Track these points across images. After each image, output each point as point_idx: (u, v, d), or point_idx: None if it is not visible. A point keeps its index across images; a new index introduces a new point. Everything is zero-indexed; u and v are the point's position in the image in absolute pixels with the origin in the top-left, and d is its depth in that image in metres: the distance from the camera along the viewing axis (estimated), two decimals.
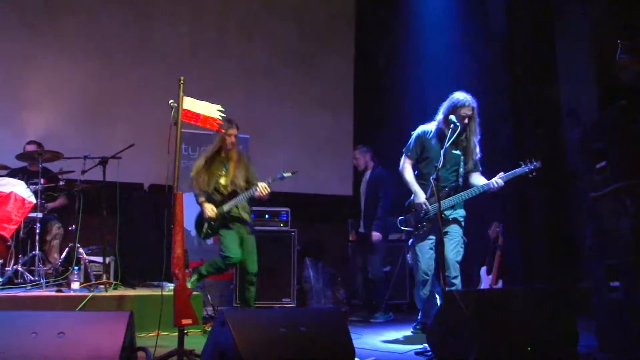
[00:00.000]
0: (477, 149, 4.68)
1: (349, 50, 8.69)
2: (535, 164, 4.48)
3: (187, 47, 7.80)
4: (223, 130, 4.96)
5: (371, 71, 8.40)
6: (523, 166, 4.51)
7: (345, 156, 8.12)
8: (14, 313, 3.21)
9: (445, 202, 4.56)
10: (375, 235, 6.12)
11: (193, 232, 7.13)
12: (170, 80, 3.98)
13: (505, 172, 4.56)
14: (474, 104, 4.59)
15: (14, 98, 6.97)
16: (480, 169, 4.76)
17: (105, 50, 7.45)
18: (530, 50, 6.17)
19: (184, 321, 3.59)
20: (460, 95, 4.59)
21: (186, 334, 3.65)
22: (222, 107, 4.06)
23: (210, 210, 5.22)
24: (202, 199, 5.31)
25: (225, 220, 5.24)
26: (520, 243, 6.02)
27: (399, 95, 7.74)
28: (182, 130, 6.59)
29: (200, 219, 5.39)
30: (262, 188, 5.05)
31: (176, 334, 3.57)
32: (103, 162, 5.67)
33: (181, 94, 3.90)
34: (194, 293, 5.52)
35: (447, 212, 4.61)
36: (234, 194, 5.24)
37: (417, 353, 4.09)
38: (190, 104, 3.95)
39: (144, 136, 6.46)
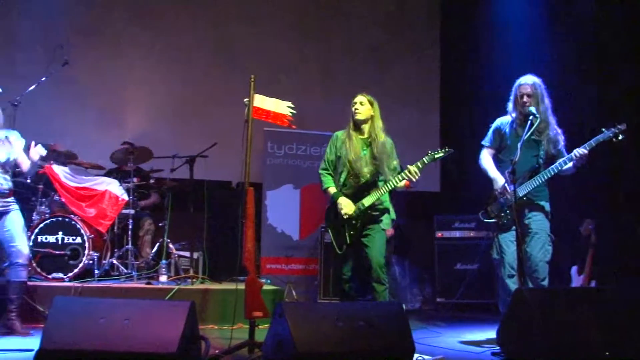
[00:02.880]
0: (557, 129, 4.36)
1: (434, 44, 8.49)
2: (620, 127, 4.07)
3: (268, 48, 7.86)
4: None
5: (457, 65, 8.16)
6: (605, 131, 4.11)
7: None
8: (86, 299, 3.46)
9: (527, 185, 4.30)
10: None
11: (280, 229, 7.22)
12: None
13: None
14: (533, 81, 4.36)
15: (110, 104, 7.35)
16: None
17: (190, 54, 7.70)
18: (621, 37, 5.77)
19: (255, 313, 3.71)
20: (520, 79, 4.44)
21: (257, 326, 3.77)
22: (291, 104, 4.14)
23: (347, 206, 4.26)
24: (332, 188, 4.39)
25: (366, 218, 4.29)
26: (614, 241, 5.62)
27: (486, 89, 7.47)
28: (268, 128, 6.89)
29: (335, 217, 4.36)
30: (413, 173, 4.16)
31: (259, 327, 3.73)
32: (190, 160, 5.93)
33: (252, 92, 4.03)
34: (276, 288, 5.69)
35: (530, 196, 4.33)
36: (372, 186, 4.32)
37: (493, 353, 3.94)
38: (260, 101, 4.06)
39: (232, 135, 6.60)
